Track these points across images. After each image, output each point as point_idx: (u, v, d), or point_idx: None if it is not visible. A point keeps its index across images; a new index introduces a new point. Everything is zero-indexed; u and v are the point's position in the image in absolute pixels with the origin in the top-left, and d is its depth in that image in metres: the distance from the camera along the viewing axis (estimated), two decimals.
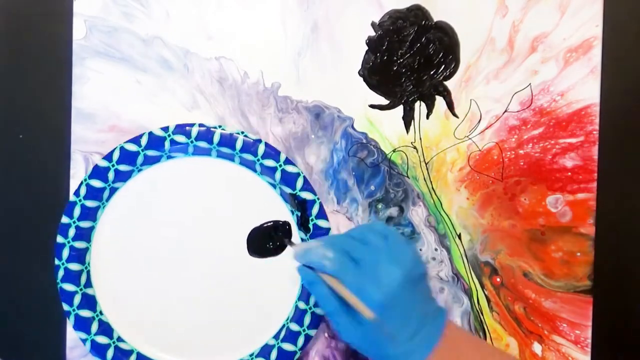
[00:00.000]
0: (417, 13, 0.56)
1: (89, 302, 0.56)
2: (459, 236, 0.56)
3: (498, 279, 0.56)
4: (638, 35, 0.56)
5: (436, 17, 0.56)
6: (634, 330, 0.55)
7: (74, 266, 0.55)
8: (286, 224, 0.56)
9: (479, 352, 0.44)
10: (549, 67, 0.55)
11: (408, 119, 0.56)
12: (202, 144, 0.55)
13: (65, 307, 0.55)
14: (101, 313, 0.56)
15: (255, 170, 0.55)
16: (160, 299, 0.56)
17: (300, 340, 0.55)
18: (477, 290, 0.56)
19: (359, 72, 0.56)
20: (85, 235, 0.55)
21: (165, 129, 0.55)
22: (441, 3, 0.56)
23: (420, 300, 0.44)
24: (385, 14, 0.56)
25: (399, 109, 0.56)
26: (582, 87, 0.55)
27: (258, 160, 0.55)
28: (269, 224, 0.56)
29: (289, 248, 0.55)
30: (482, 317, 0.56)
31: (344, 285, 0.43)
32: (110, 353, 0.55)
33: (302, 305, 0.55)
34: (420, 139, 0.56)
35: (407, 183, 0.56)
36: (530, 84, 0.55)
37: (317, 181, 0.56)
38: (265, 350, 0.55)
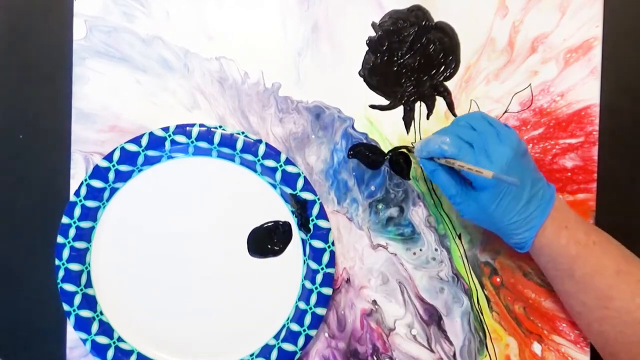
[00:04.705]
0: (418, 13, 0.56)
1: (89, 302, 0.56)
2: (459, 236, 0.56)
3: (498, 279, 0.56)
4: (638, 35, 0.56)
5: (436, 17, 0.56)
6: None
7: (74, 266, 0.55)
8: (286, 224, 0.56)
9: (583, 226, 0.49)
10: (549, 68, 0.55)
11: (408, 120, 0.56)
12: (203, 144, 0.55)
13: (66, 307, 0.55)
14: (101, 313, 0.56)
15: (255, 171, 0.55)
16: (160, 299, 0.56)
17: (301, 341, 0.55)
18: (477, 290, 0.56)
19: (359, 73, 0.56)
20: (85, 235, 0.55)
21: (166, 129, 0.55)
22: (441, 3, 0.56)
23: (529, 173, 0.48)
24: (385, 14, 0.56)
25: (399, 110, 0.56)
26: (582, 88, 0.55)
27: (258, 160, 0.55)
28: (270, 224, 0.56)
29: (289, 248, 0.55)
30: (482, 317, 0.56)
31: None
32: (110, 353, 0.55)
33: (302, 305, 0.55)
34: (421, 139, 0.56)
35: (407, 183, 0.56)
36: (530, 84, 0.56)
37: (317, 181, 0.56)
38: (266, 350, 0.55)
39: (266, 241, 0.56)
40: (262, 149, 0.55)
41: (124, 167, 0.55)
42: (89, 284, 0.56)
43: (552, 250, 0.48)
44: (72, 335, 0.56)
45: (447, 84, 0.56)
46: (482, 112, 0.50)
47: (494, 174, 0.44)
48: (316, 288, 0.54)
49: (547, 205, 0.48)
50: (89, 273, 0.56)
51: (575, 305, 0.50)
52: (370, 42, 0.56)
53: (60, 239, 0.55)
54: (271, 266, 0.56)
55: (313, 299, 0.55)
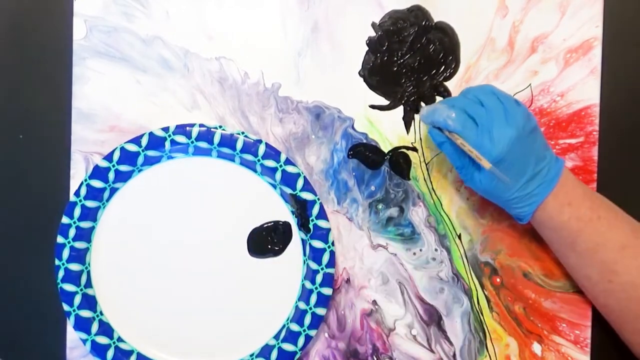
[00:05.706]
0: (418, 13, 0.56)
1: (89, 302, 0.56)
2: (459, 236, 0.56)
3: (498, 279, 0.56)
4: (638, 35, 0.56)
5: (436, 17, 0.56)
6: None
7: (74, 266, 0.55)
8: (286, 224, 0.56)
9: (590, 202, 0.49)
10: (549, 68, 0.55)
11: (408, 120, 0.56)
12: (203, 144, 0.55)
13: (66, 307, 0.55)
14: (101, 313, 0.56)
15: (255, 171, 0.55)
16: (160, 299, 0.56)
17: (301, 341, 0.55)
18: (477, 291, 0.56)
19: (359, 73, 0.56)
20: (85, 235, 0.55)
21: (166, 129, 0.55)
22: (441, 3, 0.56)
23: (534, 151, 0.48)
24: (385, 14, 0.56)
25: (399, 110, 0.56)
26: (582, 88, 0.55)
27: (258, 160, 0.55)
28: (269, 224, 0.56)
29: (289, 248, 0.55)
30: (482, 317, 0.56)
31: (465, 140, 0.48)
32: (110, 353, 0.55)
33: (302, 305, 0.55)
34: (421, 139, 0.56)
35: (407, 183, 0.56)
36: (530, 84, 0.56)
37: (317, 181, 0.56)
38: (266, 350, 0.55)
39: (266, 241, 0.56)
40: (262, 149, 0.55)
41: (123, 167, 0.55)
42: (88, 284, 0.56)
43: (554, 225, 0.49)
44: (72, 335, 0.56)
45: (447, 84, 0.56)
46: (492, 86, 0.50)
47: (491, 167, 0.45)
48: (316, 288, 0.54)
49: (550, 183, 0.48)
50: (88, 273, 0.56)
51: (580, 279, 0.51)
52: (370, 42, 0.56)
53: (60, 239, 0.55)
54: (271, 266, 0.56)
55: (313, 299, 0.55)
